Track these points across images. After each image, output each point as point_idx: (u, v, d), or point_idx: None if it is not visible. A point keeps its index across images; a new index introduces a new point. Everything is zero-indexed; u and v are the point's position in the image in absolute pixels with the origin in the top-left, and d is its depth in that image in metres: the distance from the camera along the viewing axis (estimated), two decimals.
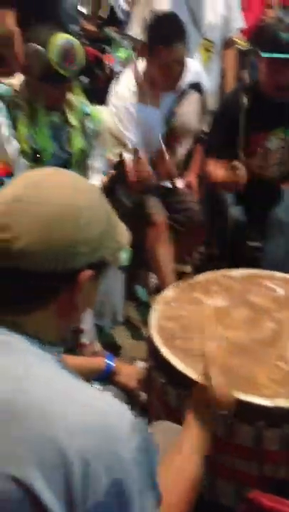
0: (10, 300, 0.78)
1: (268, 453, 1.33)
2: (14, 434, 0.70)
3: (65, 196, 0.79)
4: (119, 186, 2.13)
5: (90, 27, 3.75)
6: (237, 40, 2.97)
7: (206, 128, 2.51)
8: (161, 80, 2.22)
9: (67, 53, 1.84)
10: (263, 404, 1.29)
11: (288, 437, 1.31)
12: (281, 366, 1.44)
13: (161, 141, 2.32)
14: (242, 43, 3.10)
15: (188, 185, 2.53)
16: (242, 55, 3.13)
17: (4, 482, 0.68)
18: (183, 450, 1.02)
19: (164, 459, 0.91)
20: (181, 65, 2.19)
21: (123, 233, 0.89)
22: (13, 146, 1.92)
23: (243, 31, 2.99)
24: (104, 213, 0.84)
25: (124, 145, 2.24)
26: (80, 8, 3.66)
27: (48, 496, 0.67)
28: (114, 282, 2.24)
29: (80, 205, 0.79)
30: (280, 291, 1.79)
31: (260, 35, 2.89)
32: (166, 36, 2.14)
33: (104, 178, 2.12)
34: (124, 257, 2.08)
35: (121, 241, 0.87)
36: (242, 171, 2.18)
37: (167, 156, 2.24)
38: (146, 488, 0.76)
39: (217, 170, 2.34)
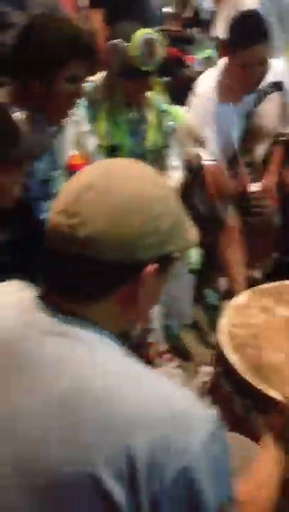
0: (74, 288, 0.78)
1: None
2: (80, 422, 0.70)
3: (137, 187, 0.78)
4: (195, 192, 2.11)
5: (174, 27, 3.75)
6: None
7: (287, 130, 2.43)
8: (243, 79, 2.17)
9: (147, 48, 1.83)
10: None
11: None
12: None
13: (237, 144, 2.27)
14: None
15: (265, 189, 2.45)
16: None
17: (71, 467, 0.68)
18: (259, 475, 0.98)
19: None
20: (263, 65, 2.13)
21: (192, 231, 0.87)
22: (92, 142, 1.95)
23: None
24: (175, 209, 0.82)
25: (201, 144, 2.21)
26: (165, 8, 3.67)
27: (112, 484, 0.67)
28: (184, 284, 2.22)
29: (151, 197, 0.78)
30: None
31: None
32: (248, 36, 2.10)
33: (181, 179, 2.10)
34: (196, 259, 2.06)
35: (190, 239, 0.85)
36: None
37: (243, 168, 2.19)
38: (221, 484, 0.73)
39: None
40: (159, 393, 0.74)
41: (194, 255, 2.05)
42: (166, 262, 0.81)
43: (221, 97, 2.23)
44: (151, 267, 0.77)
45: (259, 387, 1.32)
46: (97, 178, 0.79)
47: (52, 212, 0.79)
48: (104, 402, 0.70)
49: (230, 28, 2.21)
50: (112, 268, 0.76)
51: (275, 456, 1.02)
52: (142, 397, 0.72)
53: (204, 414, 0.74)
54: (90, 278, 0.77)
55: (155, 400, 0.72)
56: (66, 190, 0.79)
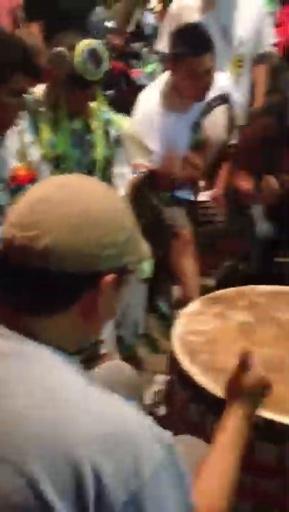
0: (32, 301, 0.77)
1: None
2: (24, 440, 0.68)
3: (94, 199, 0.80)
4: (145, 187, 2.11)
5: (117, 41, 3.80)
6: (271, 55, 2.94)
7: (234, 140, 2.48)
8: (189, 90, 2.19)
9: (91, 57, 1.83)
10: (287, 423, 1.24)
11: None
12: None
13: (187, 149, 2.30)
14: (276, 59, 3.08)
15: (215, 198, 2.49)
16: (274, 71, 3.12)
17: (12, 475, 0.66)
18: (221, 447, 0.97)
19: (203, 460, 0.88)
20: (209, 75, 2.16)
21: (145, 245, 0.89)
22: (35, 152, 1.92)
23: (276, 46, 2.97)
24: (130, 222, 0.85)
25: (147, 152, 2.21)
26: (106, 23, 3.71)
27: (52, 495, 0.65)
28: (136, 294, 2.21)
29: (108, 210, 0.80)
30: None
31: None
32: (194, 46, 2.13)
33: (130, 182, 2.09)
34: (147, 269, 2.05)
35: (144, 251, 0.88)
36: (275, 185, 2.15)
37: (195, 159, 2.20)
38: (173, 508, 0.72)
39: (247, 183, 2.31)
40: (111, 416, 0.72)
41: (146, 264, 2.05)
42: (122, 273, 0.82)
43: (166, 108, 2.25)
44: (109, 277, 0.79)
45: (214, 391, 1.31)
46: (50, 191, 0.79)
47: (5, 227, 0.78)
48: (48, 426, 0.69)
49: (176, 39, 2.24)
50: (72, 279, 0.76)
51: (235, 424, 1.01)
52: (94, 420, 0.70)
53: (155, 439, 0.73)
54: (49, 289, 0.77)
55: (108, 424, 0.71)
56: (19, 204, 0.80)
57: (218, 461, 0.95)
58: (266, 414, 1.20)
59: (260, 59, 2.84)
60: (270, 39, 2.85)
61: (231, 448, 0.97)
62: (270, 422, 1.23)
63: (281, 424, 1.24)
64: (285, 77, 3.20)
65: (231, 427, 0.99)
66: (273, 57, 3.03)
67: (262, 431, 1.19)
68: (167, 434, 0.76)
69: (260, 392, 1.07)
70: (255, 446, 1.25)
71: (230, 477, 0.93)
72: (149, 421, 0.76)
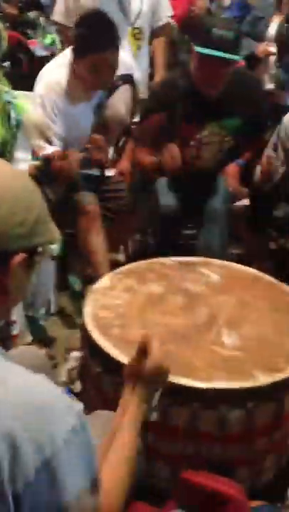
0: None
1: (204, 434, 1.35)
2: None
3: (2, 180, 0.81)
4: (44, 180, 2.06)
5: (11, 10, 3.62)
6: (169, 27, 2.96)
7: (137, 118, 2.48)
8: (92, 80, 2.14)
9: None
10: (197, 387, 1.31)
11: (223, 418, 1.33)
12: (216, 350, 1.46)
13: (92, 131, 2.27)
14: (174, 31, 3.11)
15: (121, 173, 2.49)
16: (173, 43, 3.15)
17: None
18: (120, 430, 0.99)
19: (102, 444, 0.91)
20: (113, 68, 2.12)
21: (54, 227, 0.90)
22: None
23: (172, 18, 2.99)
24: (39, 202, 0.85)
25: (48, 137, 2.16)
26: None
27: None
28: (46, 273, 2.18)
29: (17, 189, 0.81)
30: (215, 277, 1.81)
31: (193, 27, 2.92)
32: (98, 43, 2.05)
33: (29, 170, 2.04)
34: (56, 246, 2.03)
35: (54, 232, 0.88)
36: (177, 154, 2.18)
37: (99, 140, 2.18)
38: (82, 474, 0.75)
39: (147, 156, 2.34)
40: (25, 387, 0.75)
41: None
42: (33, 254, 0.83)
43: (70, 93, 2.18)
44: (19, 257, 0.79)
45: (127, 362, 1.34)
46: None
47: None
48: None
49: (79, 29, 2.15)
50: None
51: (133, 410, 1.03)
52: (8, 390, 0.72)
53: (67, 407, 0.76)
54: None
55: (22, 394, 0.73)
56: None
57: (118, 448, 0.97)
58: (174, 379, 1.25)
59: (158, 32, 2.85)
60: (167, 11, 2.86)
61: (128, 434, 0.99)
62: (179, 387, 1.28)
63: (188, 388, 1.30)
64: (184, 49, 3.24)
65: (128, 417, 1.01)
66: (171, 30, 3.05)
67: (171, 396, 1.24)
68: (78, 403, 0.80)
69: (158, 380, 1.08)
70: (166, 413, 1.31)
71: (127, 463, 0.95)
72: (60, 391, 0.79)
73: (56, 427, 0.73)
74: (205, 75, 2.18)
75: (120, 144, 2.45)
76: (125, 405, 1.03)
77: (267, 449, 1.43)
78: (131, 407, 1.02)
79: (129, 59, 2.46)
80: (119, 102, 2.31)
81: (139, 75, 2.63)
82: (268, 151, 2.38)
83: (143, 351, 1.09)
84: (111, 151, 2.45)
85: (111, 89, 2.26)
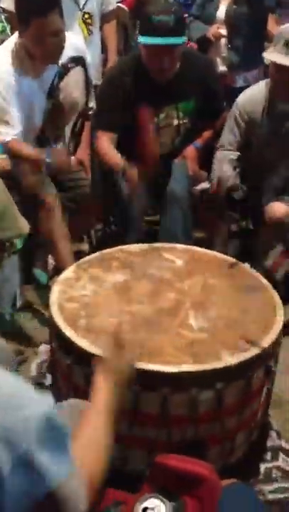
0: None
1: (175, 418, 1.37)
2: None
3: None
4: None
5: None
6: (118, 12, 2.93)
7: (91, 103, 2.46)
8: (39, 52, 2.09)
9: None
10: (166, 371, 1.32)
11: (194, 400, 1.36)
12: (184, 334, 1.48)
13: (43, 120, 2.23)
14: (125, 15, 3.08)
15: (79, 162, 2.47)
16: (123, 27, 3.12)
17: None
18: (93, 413, 1.01)
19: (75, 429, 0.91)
20: (57, 35, 2.07)
21: (22, 220, 0.89)
22: None
23: (123, 3, 2.96)
24: (4, 197, 0.86)
25: (6, 121, 2.11)
26: None
27: None
28: (11, 267, 2.16)
29: None
30: (179, 262, 1.83)
31: (139, 14, 2.90)
32: (38, 7, 2.01)
33: None
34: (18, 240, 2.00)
35: (20, 227, 0.87)
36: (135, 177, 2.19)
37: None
38: (59, 460, 0.76)
39: (106, 144, 2.33)
40: None
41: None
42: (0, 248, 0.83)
43: (19, 72, 2.14)
44: None
45: (97, 353, 1.34)
46: None
47: None
48: None
49: (18, 0, 2.11)
50: None
51: (105, 393, 1.05)
52: None
53: (35, 398, 0.76)
54: None
55: None
56: None
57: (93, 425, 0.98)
58: (143, 365, 1.27)
59: (108, 16, 2.82)
60: None
61: (103, 413, 1.00)
62: (148, 373, 1.30)
63: (158, 372, 1.31)
64: (134, 33, 3.21)
65: (99, 400, 1.03)
66: (122, 15, 3.02)
67: (142, 382, 1.26)
68: (45, 393, 0.80)
69: (125, 369, 1.12)
70: (138, 399, 1.33)
71: (100, 437, 0.96)
72: (25, 383, 0.79)
73: (27, 418, 0.73)
74: (153, 63, 2.18)
75: (77, 128, 2.42)
76: (96, 392, 1.04)
77: (237, 426, 1.47)
78: (102, 391, 1.04)
79: (80, 42, 2.43)
80: (72, 84, 2.27)
81: (92, 59, 2.60)
82: (224, 139, 2.40)
83: (116, 343, 1.11)
84: (67, 136, 2.42)
85: (63, 72, 2.23)
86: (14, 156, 2.09)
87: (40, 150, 2.14)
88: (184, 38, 2.23)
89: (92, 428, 0.96)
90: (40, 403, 0.76)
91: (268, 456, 1.68)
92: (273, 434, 1.74)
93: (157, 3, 2.14)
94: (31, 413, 0.73)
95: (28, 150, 2.12)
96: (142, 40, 2.15)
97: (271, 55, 2.17)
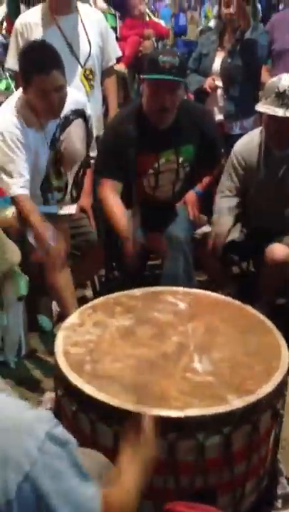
0: None
1: (182, 464, 1.35)
2: None
3: None
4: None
5: None
6: (118, 66, 3.07)
7: (92, 153, 2.54)
8: (42, 107, 2.20)
9: None
10: (172, 416, 1.31)
11: (201, 446, 1.34)
12: (189, 377, 1.48)
13: (47, 170, 2.31)
14: (123, 70, 3.22)
15: (82, 210, 2.52)
16: (123, 81, 3.25)
17: None
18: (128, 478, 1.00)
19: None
20: (59, 91, 2.18)
21: (13, 250, 0.90)
22: None
23: (120, 60, 3.10)
24: None
25: (13, 172, 2.18)
26: None
27: None
28: (16, 315, 2.17)
29: None
30: (182, 305, 1.84)
31: (141, 63, 3.04)
32: (41, 63, 2.12)
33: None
34: (23, 286, 2.03)
35: (10, 259, 0.88)
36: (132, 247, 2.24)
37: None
38: (68, 474, 0.75)
39: (109, 192, 2.38)
40: None
41: (22, 282, 2.02)
42: None
43: (25, 124, 2.23)
44: None
45: (102, 399, 1.34)
46: None
47: None
48: None
49: (23, 57, 2.23)
50: None
51: (135, 461, 1.04)
52: None
53: (35, 417, 0.76)
54: None
55: None
56: None
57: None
58: (149, 410, 1.26)
59: (108, 72, 2.95)
60: (115, 52, 2.97)
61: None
62: (154, 418, 1.28)
63: (164, 418, 1.30)
64: (133, 86, 3.36)
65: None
66: (120, 70, 3.16)
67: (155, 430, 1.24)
68: (45, 412, 0.80)
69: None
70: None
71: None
72: (25, 403, 0.80)
73: (28, 439, 0.73)
74: (155, 102, 2.27)
75: (79, 178, 2.48)
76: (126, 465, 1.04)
77: (246, 473, 1.44)
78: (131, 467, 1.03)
79: (80, 95, 2.53)
80: (73, 135, 2.35)
81: (94, 112, 2.71)
82: (223, 185, 2.47)
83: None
84: (69, 184, 2.48)
85: (65, 124, 2.32)
86: (21, 214, 2.13)
87: (46, 225, 2.14)
88: (185, 80, 2.35)
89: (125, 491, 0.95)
90: (40, 421, 0.76)
91: (279, 503, 1.63)
92: (283, 480, 1.70)
93: (162, 49, 2.27)
94: (32, 437, 0.73)
95: (35, 218, 2.12)
96: (149, 76, 2.25)
97: (264, 107, 2.27)
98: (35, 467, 0.71)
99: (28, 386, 2.11)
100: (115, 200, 2.38)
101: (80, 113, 2.37)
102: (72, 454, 0.78)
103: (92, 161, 2.55)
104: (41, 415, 0.77)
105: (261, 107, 2.29)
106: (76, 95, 2.41)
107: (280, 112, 2.20)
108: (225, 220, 2.42)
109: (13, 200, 2.15)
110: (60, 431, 0.78)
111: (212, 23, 7.90)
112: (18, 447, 0.71)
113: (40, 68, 2.09)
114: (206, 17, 10.02)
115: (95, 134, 2.60)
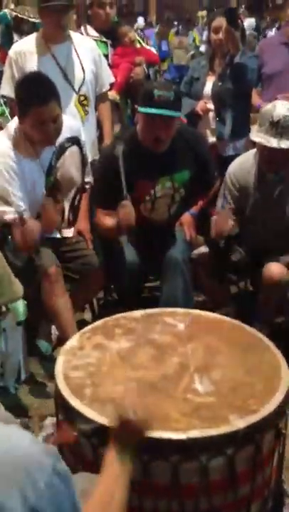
0: None
1: (186, 487, 1.34)
2: None
3: None
4: (6, 247, 2.09)
5: None
6: (110, 94, 3.13)
7: (87, 178, 2.57)
8: (38, 137, 2.23)
9: None
10: (175, 438, 1.30)
11: (205, 468, 1.33)
12: (190, 398, 1.47)
13: (44, 193, 2.33)
14: (115, 97, 3.28)
15: (80, 233, 2.54)
16: (116, 107, 3.31)
17: None
18: (106, 484, 1.00)
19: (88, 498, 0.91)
20: (56, 121, 2.22)
21: (17, 284, 0.91)
22: None
23: (113, 86, 3.17)
24: (1, 262, 0.86)
25: (7, 202, 2.21)
26: None
27: None
28: (15, 340, 2.16)
29: None
30: (181, 326, 1.84)
31: (134, 92, 3.09)
32: (39, 95, 2.17)
33: None
34: (22, 311, 2.03)
35: (15, 291, 0.89)
36: (131, 210, 2.26)
37: (51, 205, 2.24)
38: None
39: (105, 217, 2.41)
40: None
41: (20, 307, 2.02)
42: None
43: (20, 155, 2.26)
44: None
45: (104, 423, 1.33)
46: None
47: None
48: None
49: (20, 88, 2.27)
50: None
51: (117, 468, 1.05)
52: None
53: (42, 451, 0.77)
54: None
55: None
56: None
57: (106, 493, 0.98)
58: (151, 433, 1.25)
59: (102, 97, 3.00)
60: (109, 78, 3.03)
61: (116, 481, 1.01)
62: (156, 441, 1.28)
63: (166, 440, 1.29)
64: (126, 112, 3.41)
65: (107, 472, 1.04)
66: (113, 96, 3.22)
67: (150, 451, 1.24)
68: (51, 446, 0.82)
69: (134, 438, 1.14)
70: (147, 469, 1.30)
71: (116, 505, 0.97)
72: (31, 436, 0.79)
73: (36, 473, 0.74)
74: (150, 133, 2.30)
75: (75, 202, 2.51)
76: (107, 464, 1.04)
77: (251, 494, 1.43)
78: (108, 463, 1.04)
79: (75, 122, 2.57)
80: (69, 162, 2.38)
81: (89, 137, 2.75)
82: (218, 206, 2.50)
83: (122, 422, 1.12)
84: (66, 209, 2.50)
85: (60, 151, 2.35)
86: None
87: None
88: (181, 114, 2.38)
89: (105, 500, 0.95)
90: (47, 456, 0.76)
91: None
92: None
93: (156, 81, 2.30)
94: (40, 470, 0.74)
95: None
96: (143, 110, 2.28)
97: (258, 136, 2.26)
98: (42, 500, 0.72)
99: (28, 411, 2.10)
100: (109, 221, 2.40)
101: (74, 140, 2.41)
102: (72, 491, 0.79)
103: (87, 186, 2.58)
104: (49, 448, 0.79)
105: (256, 136, 2.28)
106: (71, 123, 2.45)
107: (274, 143, 2.20)
108: (226, 211, 2.41)
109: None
110: (64, 466, 0.79)
111: (202, 48, 8.12)
112: (26, 481, 0.72)
113: (39, 100, 2.14)
114: (194, 41, 10.27)
115: (90, 159, 2.64)
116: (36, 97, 2.14)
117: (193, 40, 10.36)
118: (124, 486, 1.00)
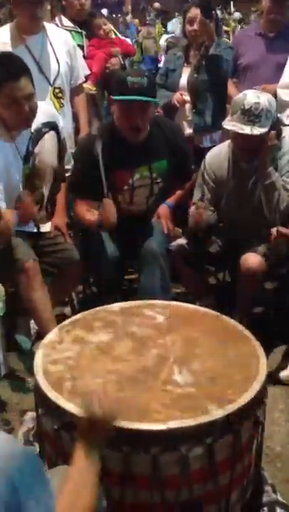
0: None
1: (167, 478, 1.35)
2: None
3: None
4: None
5: None
6: (86, 85, 3.10)
7: (67, 166, 2.54)
8: (12, 116, 2.19)
9: None
10: (154, 429, 1.31)
11: (186, 459, 1.34)
12: (170, 390, 1.48)
13: (21, 181, 2.30)
14: (91, 88, 3.25)
15: (56, 228, 2.52)
16: (92, 98, 3.28)
17: None
18: (75, 478, 1.01)
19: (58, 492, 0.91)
20: (29, 100, 2.18)
21: None
22: None
23: (88, 77, 3.14)
24: None
25: None
26: None
27: None
28: None
29: None
30: (160, 318, 1.85)
31: (109, 82, 3.07)
32: (10, 71, 2.12)
33: None
34: (0, 307, 2.01)
35: None
36: (112, 210, 2.26)
37: (27, 197, 2.22)
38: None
39: (86, 213, 2.39)
40: None
41: None
42: None
43: None
44: None
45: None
46: None
47: None
48: None
49: None
50: None
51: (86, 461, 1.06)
52: None
53: (20, 450, 0.77)
54: None
55: None
56: None
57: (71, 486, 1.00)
58: (130, 424, 1.25)
59: (77, 90, 2.97)
60: (84, 70, 3.00)
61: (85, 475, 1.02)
62: (136, 432, 1.28)
63: (145, 432, 1.30)
64: (102, 103, 3.39)
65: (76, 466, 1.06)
66: (88, 87, 3.19)
67: (130, 443, 1.24)
68: (30, 447, 0.81)
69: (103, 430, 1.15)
70: (127, 461, 1.30)
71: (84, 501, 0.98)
72: (7, 435, 0.80)
73: (13, 473, 0.74)
74: (126, 121, 2.29)
75: (54, 190, 2.49)
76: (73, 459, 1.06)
77: (231, 483, 1.44)
78: (77, 457, 1.05)
79: (51, 108, 2.55)
80: (47, 148, 2.36)
81: (66, 130, 2.72)
82: (195, 197, 2.50)
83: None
84: (45, 196, 2.48)
85: (37, 137, 2.32)
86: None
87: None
88: (156, 100, 2.38)
89: (74, 492, 0.96)
90: (26, 457, 0.77)
91: (265, 511, 1.64)
92: (268, 488, 1.71)
93: (129, 69, 2.28)
94: (18, 471, 0.74)
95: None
96: (119, 98, 2.27)
97: (230, 124, 2.27)
98: (20, 500, 0.74)
99: (8, 407, 2.09)
100: (90, 215, 2.38)
101: (52, 125, 2.38)
102: (50, 491, 0.80)
103: (67, 174, 2.56)
104: (27, 448, 0.80)
105: (228, 124, 2.29)
106: (47, 108, 2.42)
107: (246, 130, 2.21)
108: (204, 202, 2.43)
109: None
110: (41, 463, 0.81)
111: (162, 41, 8.06)
112: (2, 481, 0.73)
113: (10, 75, 2.10)
114: (158, 32, 10.10)
115: (66, 150, 2.61)
116: (7, 73, 2.10)
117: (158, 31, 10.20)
118: (90, 482, 1.00)
